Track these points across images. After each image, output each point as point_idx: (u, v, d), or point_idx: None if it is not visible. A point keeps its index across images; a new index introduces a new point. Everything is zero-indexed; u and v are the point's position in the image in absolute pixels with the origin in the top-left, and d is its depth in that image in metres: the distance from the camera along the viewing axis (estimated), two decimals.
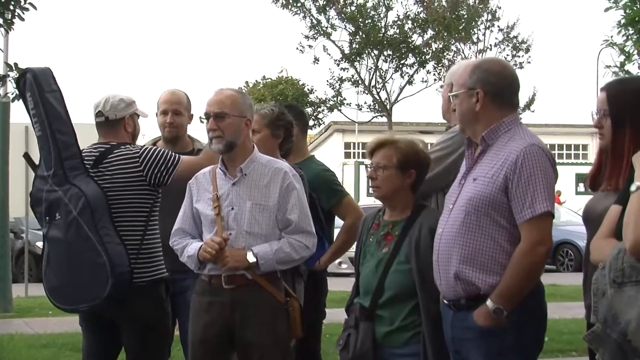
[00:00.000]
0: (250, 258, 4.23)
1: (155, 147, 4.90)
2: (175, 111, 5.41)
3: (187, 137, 5.60)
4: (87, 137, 4.98)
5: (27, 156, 5.07)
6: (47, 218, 4.60)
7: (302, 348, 4.80)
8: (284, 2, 33.66)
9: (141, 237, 4.63)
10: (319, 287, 5.34)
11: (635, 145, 3.54)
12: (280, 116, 5.11)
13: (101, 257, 4.44)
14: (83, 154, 4.66)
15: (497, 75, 3.78)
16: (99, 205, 4.50)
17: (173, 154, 4.79)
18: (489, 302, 3.57)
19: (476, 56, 34.20)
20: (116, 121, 4.77)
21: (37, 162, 4.80)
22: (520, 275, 3.56)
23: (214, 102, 4.39)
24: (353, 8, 33.70)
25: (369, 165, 4.24)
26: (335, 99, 35.83)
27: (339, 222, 5.48)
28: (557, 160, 3.90)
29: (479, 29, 35.96)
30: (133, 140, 4.88)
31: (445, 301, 3.79)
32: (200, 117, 4.58)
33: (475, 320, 3.61)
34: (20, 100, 4.90)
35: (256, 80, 39.43)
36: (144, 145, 4.87)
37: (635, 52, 11.71)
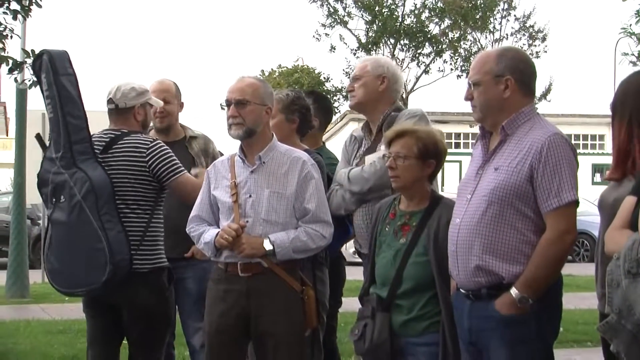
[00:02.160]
0: (267, 246, 4.23)
1: (167, 147, 4.82)
2: (164, 99, 5.37)
3: (179, 126, 5.63)
4: (100, 124, 4.95)
5: (39, 137, 5.07)
6: (53, 200, 4.60)
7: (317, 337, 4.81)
8: None
9: (146, 224, 4.64)
10: (337, 275, 5.32)
11: (629, 136, 3.56)
12: (295, 100, 5.05)
13: (101, 243, 4.44)
14: (93, 139, 4.65)
15: (525, 62, 3.78)
16: (103, 191, 4.50)
17: (181, 165, 4.76)
18: (513, 291, 3.56)
19: (492, 45, 34.09)
20: (125, 110, 4.78)
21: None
22: (546, 264, 3.55)
23: (235, 90, 4.39)
24: None
25: (387, 155, 4.21)
26: None
27: None
28: None
29: (496, 18, 35.83)
30: (144, 129, 4.88)
31: (462, 291, 3.76)
32: (220, 104, 4.59)
33: (498, 310, 3.60)
34: (38, 87, 4.91)
35: (272, 69, 39.34)
36: (157, 139, 4.86)
37: None
